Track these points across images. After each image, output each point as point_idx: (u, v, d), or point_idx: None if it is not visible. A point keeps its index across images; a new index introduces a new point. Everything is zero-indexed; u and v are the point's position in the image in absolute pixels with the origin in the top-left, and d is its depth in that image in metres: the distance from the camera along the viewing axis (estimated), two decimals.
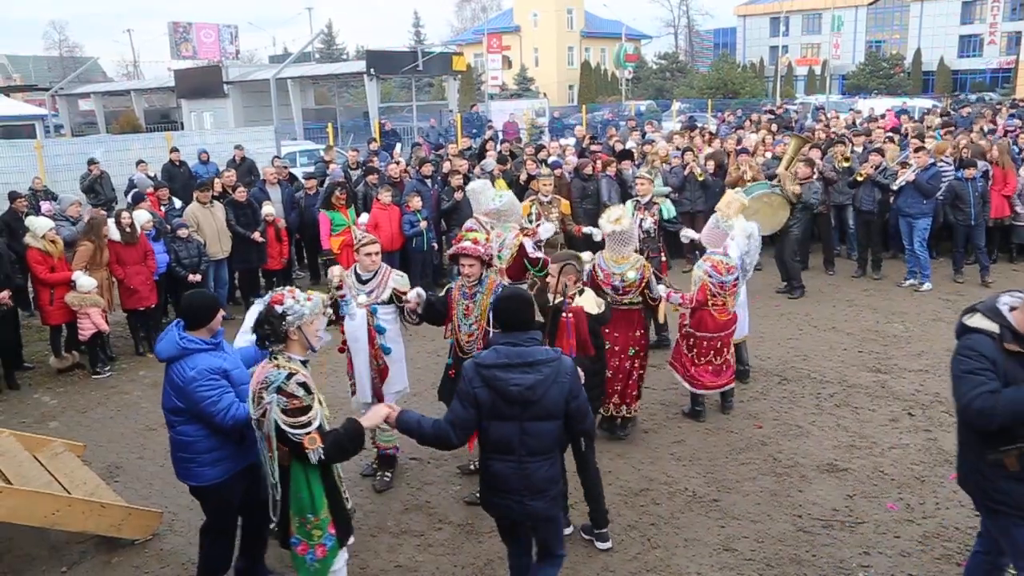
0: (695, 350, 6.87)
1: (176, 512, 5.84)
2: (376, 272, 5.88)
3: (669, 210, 8.86)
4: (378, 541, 5.40)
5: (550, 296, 5.39)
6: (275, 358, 3.93)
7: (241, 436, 4.44)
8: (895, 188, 10.74)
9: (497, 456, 3.98)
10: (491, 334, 5.54)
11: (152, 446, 7.03)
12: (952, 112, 22.53)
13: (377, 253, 5.93)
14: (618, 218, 6.33)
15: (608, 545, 5.19)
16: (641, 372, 6.58)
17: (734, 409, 7.24)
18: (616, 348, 6.34)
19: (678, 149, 13.21)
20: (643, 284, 6.31)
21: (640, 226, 8.27)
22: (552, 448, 4.04)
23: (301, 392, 3.81)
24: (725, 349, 6.95)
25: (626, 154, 12.72)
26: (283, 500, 3.92)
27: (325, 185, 11.80)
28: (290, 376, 3.82)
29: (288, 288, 4.11)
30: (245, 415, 4.18)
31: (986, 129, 15.91)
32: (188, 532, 5.59)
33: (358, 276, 5.90)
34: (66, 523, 5.12)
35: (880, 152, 11.66)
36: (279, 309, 3.93)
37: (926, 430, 6.76)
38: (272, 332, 3.92)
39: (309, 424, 3.78)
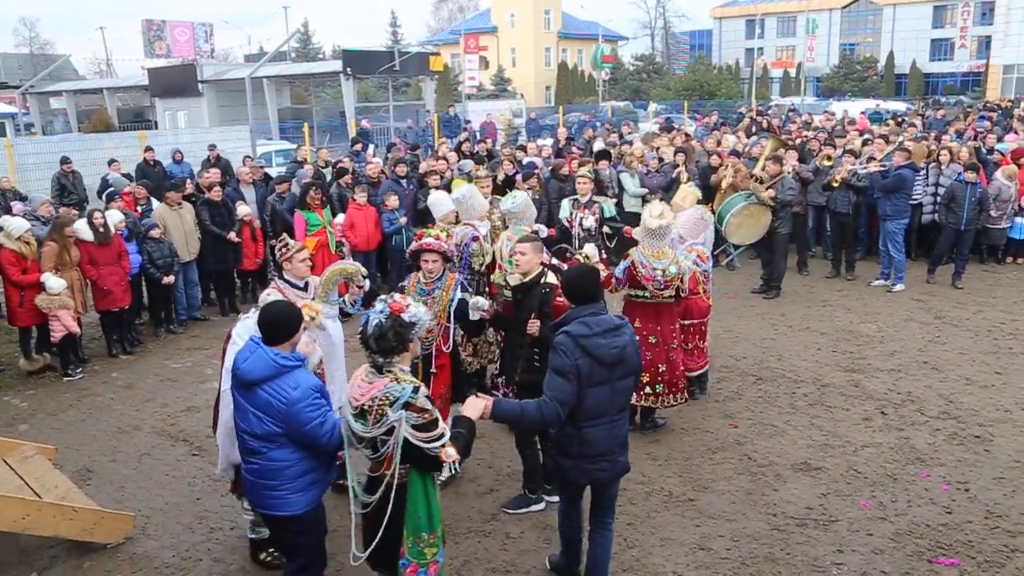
0: (683, 336, 7.02)
1: (149, 515, 5.78)
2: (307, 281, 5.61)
3: (609, 209, 8.97)
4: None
5: (518, 275, 5.57)
6: (389, 371, 3.72)
7: (331, 458, 4.16)
8: (858, 180, 10.93)
9: (591, 422, 4.21)
10: (451, 330, 5.73)
11: (125, 449, 6.95)
12: (926, 115, 22.85)
13: (308, 260, 5.69)
14: (661, 213, 6.40)
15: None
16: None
17: (709, 409, 7.30)
18: (660, 341, 6.47)
19: (653, 150, 13.26)
20: (681, 278, 6.40)
21: (580, 224, 8.37)
22: (628, 403, 4.48)
23: (428, 405, 3.67)
24: (706, 332, 7.41)
25: (604, 154, 12.76)
26: (393, 521, 3.74)
27: (300, 185, 11.73)
28: (416, 389, 3.67)
29: (398, 295, 3.96)
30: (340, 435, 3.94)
31: (961, 132, 16.14)
32: (162, 536, 5.53)
33: (290, 283, 5.46)
34: (37, 528, 5.03)
35: (854, 154, 11.79)
36: (406, 318, 3.76)
37: (898, 429, 6.85)
38: (400, 343, 3.73)
39: (442, 436, 3.62)
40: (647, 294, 6.36)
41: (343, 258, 10.44)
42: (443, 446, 3.61)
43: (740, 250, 12.10)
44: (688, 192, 8.07)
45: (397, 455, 3.63)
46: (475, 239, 7.15)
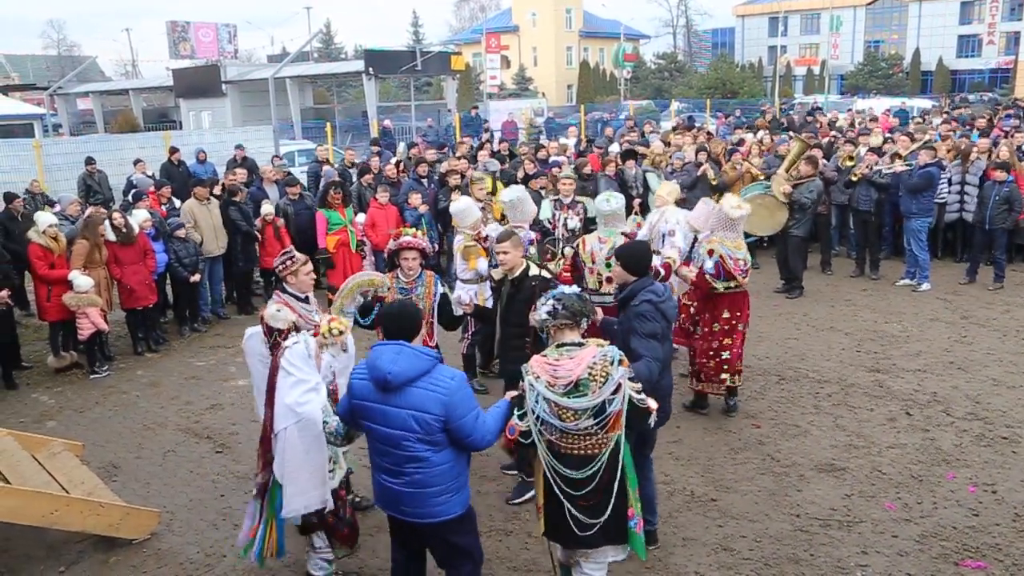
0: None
1: (174, 512, 5.84)
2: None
3: (592, 209, 8.89)
4: (376, 540, 5.39)
5: (500, 270, 5.76)
6: (581, 342, 4.00)
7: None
8: (881, 179, 10.79)
9: (663, 373, 4.88)
10: (434, 326, 5.93)
11: (150, 445, 7.03)
12: (950, 112, 22.58)
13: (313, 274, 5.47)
14: (738, 204, 6.87)
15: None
16: None
17: (735, 409, 7.27)
18: (741, 326, 7.05)
19: (679, 148, 13.19)
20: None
21: (564, 225, 8.30)
22: None
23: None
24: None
25: (629, 154, 12.70)
26: (621, 483, 3.90)
27: (321, 185, 11.81)
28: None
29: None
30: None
31: (985, 130, 15.91)
32: (186, 532, 5.59)
33: (294, 296, 5.20)
34: (64, 523, 5.11)
35: (877, 152, 11.67)
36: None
37: (924, 430, 6.77)
38: (582, 314, 4.06)
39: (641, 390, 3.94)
40: (734, 284, 6.80)
41: (364, 257, 10.50)
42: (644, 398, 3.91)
43: (750, 239, 12.00)
44: (672, 188, 8.32)
45: (624, 412, 3.81)
46: (532, 243, 7.01)
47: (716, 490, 5.89)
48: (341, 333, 4.62)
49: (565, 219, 8.40)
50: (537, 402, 3.83)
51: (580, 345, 3.94)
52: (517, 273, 5.61)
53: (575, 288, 4.34)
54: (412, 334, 3.99)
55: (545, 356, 3.94)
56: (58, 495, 5.22)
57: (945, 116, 19.28)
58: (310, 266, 5.34)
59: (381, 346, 3.92)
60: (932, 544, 5.13)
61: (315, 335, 4.82)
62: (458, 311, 5.83)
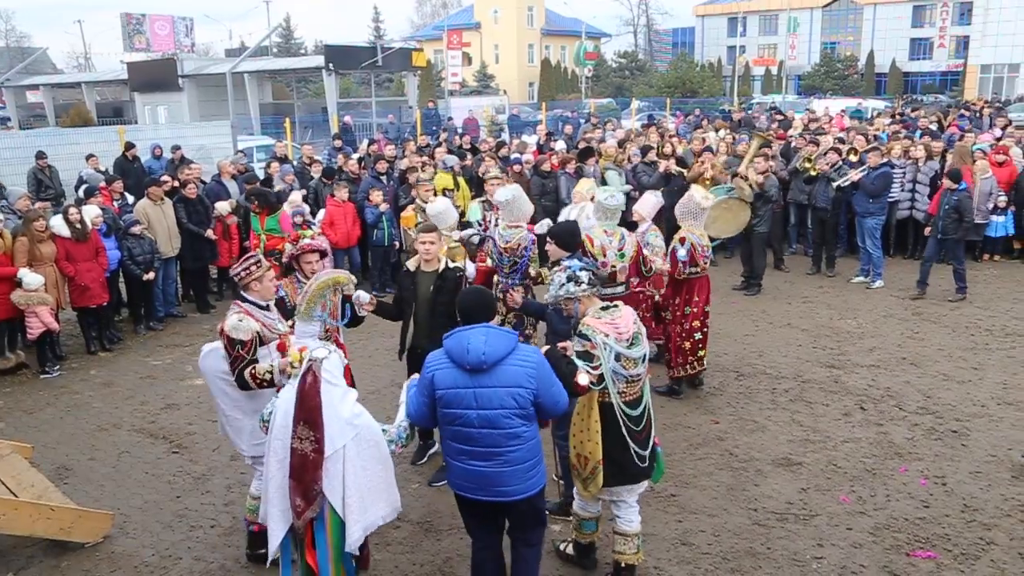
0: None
1: (128, 514, 5.73)
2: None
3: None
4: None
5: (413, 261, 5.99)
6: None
7: None
8: (840, 186, 10.95)
9: None
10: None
11: (103, 447, 6.88)
12: (903, 114, 23.02)
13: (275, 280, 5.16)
14: (706, 196, 7.59)
15: None
16: None
17: (690, 405, 7.36)
18: (707, 307, 7.52)
19: (637, 148, 13.28)
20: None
21: (496, 225, 8.24)
22: None
23: None
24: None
25: (588, 152, 12.76)
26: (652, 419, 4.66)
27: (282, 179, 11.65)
28: None
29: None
30: None
31: (930, 130, 16.26)
32: (141, 534, 5.49)
33: (255, 304, 4.84)
34: (13, 527, 4.98)
35: (836, 151, 11.87)
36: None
37: (877, 424, 6.91)
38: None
39: None
40: (698, 270, 7.31)
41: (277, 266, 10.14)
42: None
43: (715, 243, 12.14)
44: (591, 185, 8.70)
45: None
46: (533, 241, 6.96)
47: (676, 486, 5.94)
48: (293, 367, 4.45)
49: (497, 219, 8.31)
50: (609, 359, 4.39)
51: (616, 306, 4.60)
52: (440, 266, 5.87)
53: (577, 262, 4.90)
54: (491, 315, 4.19)
55: (600, 318, 4.49)
56: (5, 499, 5.08)
57: (893, 118, 19.64)
58: (273, 272, 5.03)
59: (465, 331, 4.02)
60: (885, 536, 5.24)
61: (279, 348, 4.67)
62: (361, 312, 5.75)
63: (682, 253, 7.19)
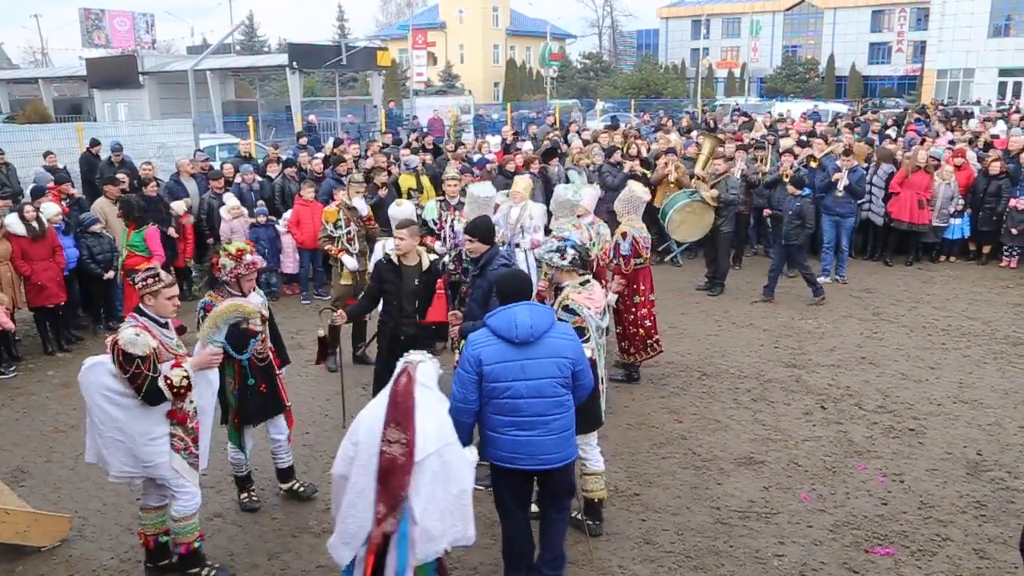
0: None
1: (86, 517, 5.63)
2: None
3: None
4: (299, 542, 5.31)
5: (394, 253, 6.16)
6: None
7: None
8: (839, 193, 11.17)
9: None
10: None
11: (61, 449, 6.75)
12: (859, 117, 23.44)
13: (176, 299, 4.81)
14: (646, 190, 8.00)
15: None
16: None
17: (654, 404, 7.41)
18: (652, 295, 7.85)
19: (603, 149, 13.36)
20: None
21: (451, 227, 8.27)
22: None
23: None
24: None
25: (552, 152, 12.80)
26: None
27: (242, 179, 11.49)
28: None
29: None
30: None
31: (893, 134, 16.58)
32: (99, 537, 5.39)
33: (152, 319, 4.61)
34: None
35: (792, 154, 12.05)
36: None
37: (837, 422, 7.02)
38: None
39: None
40: (642, 260, 7.57)
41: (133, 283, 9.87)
42: None
43: (683, 247, 12.28)
44: (528, 183, 9.02)
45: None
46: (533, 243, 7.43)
47: (639, 485, 5.99)
48: (190, 388, 4.53)
49: (453, 220, 8.32)
50: (595, 332, 5.00)
51: (590, 281, 5.15)
52: (414, 261, 6.12)
53: (576, 239, 5.27)
54: (530, 294, 4.58)
55: (579, 292, 5.02)
56: None
57: (850, 122, 19.98)
58: (175, 289, 4.74)
59: (510, 308, 4.34)
60: (844, 533, 5.33)
61: (175, 367, 4.48)
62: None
63: (625, 247, 7.46)
